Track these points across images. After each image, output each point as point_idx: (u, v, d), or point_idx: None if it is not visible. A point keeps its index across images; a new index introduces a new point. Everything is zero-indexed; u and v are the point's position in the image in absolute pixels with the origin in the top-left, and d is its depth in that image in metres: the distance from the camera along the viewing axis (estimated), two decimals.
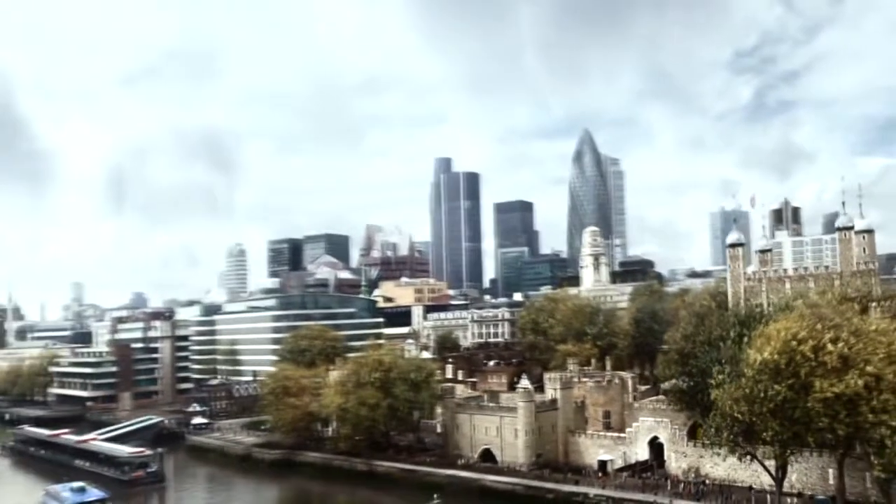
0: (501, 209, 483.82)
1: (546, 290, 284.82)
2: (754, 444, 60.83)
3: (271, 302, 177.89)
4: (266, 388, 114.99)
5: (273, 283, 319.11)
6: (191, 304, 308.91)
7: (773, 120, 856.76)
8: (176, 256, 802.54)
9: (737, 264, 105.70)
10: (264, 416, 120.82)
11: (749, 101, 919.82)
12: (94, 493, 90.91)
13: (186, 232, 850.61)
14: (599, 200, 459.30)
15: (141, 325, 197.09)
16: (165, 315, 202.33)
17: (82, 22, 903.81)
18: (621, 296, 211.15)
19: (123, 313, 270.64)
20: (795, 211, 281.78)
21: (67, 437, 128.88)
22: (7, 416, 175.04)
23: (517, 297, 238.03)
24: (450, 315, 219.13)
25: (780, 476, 61.85)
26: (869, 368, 53.64)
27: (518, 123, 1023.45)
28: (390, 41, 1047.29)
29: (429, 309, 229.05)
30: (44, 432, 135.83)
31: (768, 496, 64.61)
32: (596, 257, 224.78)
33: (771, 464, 62.09)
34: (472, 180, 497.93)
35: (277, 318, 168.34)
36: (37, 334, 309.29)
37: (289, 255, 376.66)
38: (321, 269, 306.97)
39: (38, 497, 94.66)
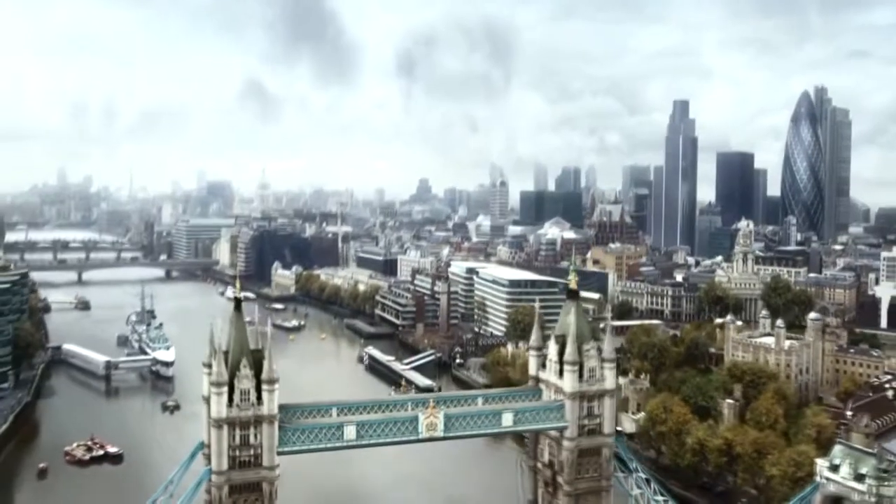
0: (722, 160, 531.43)
1: (719, 259, 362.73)
2: None
3: (505, 281, 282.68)
4: (492, 358, 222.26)
5: (520, 230, 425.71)
6: (450, 256, 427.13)
7: None
8: (456, 128, 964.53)
9: None
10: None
11: None
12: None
13: (466, 105, 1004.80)
14: (812, 165, 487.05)
15: (429, 280, 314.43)
16: (444, 277, 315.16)
17: None
18: (760, 283, 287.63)
19: (416, 263, 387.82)
20: None
21: (395, 363, 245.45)
22: (367, 333, 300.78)
23: (679, 277, 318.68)
24: (631, 284, 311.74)
25: None
26: None
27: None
28: None
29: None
30: (383, 357, 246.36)
31: None
32: (745, 253, 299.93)
33: None
34: (693, 144, 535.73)
35: (509, 294, 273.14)
36: (360, 255, 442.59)
37: (534, 205, 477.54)
38: (552, 228, 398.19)
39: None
